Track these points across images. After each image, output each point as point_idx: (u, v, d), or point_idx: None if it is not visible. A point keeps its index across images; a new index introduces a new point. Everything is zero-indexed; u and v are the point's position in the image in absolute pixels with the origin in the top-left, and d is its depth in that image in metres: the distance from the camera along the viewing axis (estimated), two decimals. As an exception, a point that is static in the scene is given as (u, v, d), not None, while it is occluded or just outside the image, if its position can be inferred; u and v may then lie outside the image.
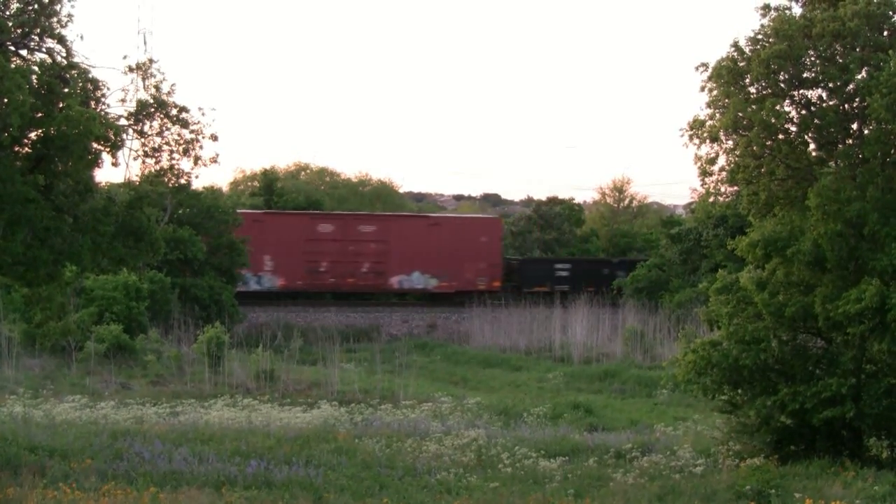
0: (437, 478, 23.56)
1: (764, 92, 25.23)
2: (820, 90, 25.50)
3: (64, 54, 21.97)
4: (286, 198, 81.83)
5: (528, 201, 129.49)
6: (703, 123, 25.63)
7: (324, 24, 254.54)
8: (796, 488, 22.06)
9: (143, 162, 22.81)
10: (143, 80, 22.52)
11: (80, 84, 21.65)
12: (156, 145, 22.71)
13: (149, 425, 29.45)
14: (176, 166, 22.90)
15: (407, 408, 34.92)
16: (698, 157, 25.95)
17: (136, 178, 23.04)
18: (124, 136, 22.14)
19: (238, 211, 66.28)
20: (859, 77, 24.55)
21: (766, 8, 25.61)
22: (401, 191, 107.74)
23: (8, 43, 21.51)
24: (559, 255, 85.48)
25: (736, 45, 25.39)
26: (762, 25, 25.41)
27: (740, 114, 24.75)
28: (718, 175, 26.01)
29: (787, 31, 24.56)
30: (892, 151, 24.78)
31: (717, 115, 25.49)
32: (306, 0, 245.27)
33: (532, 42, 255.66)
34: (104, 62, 22.62)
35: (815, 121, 25.02)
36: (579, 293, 70.79)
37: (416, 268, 72.30)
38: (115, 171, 22.55)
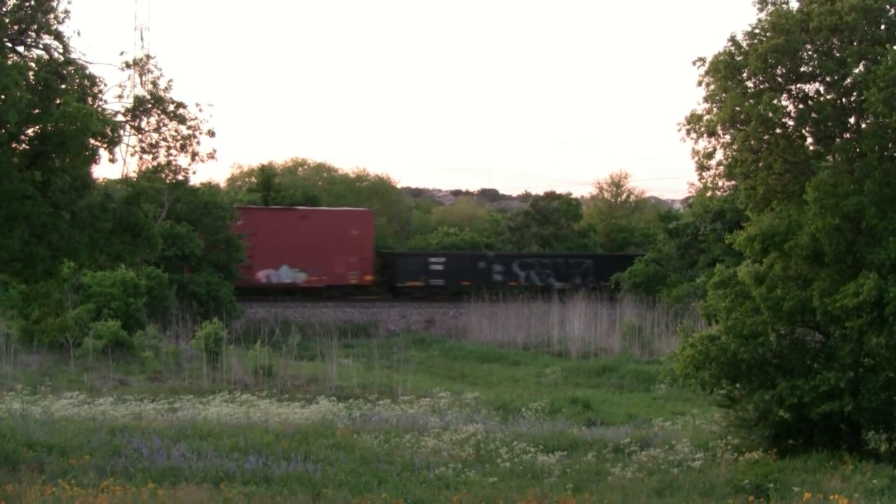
0: (436, 473, 23.56)
1: (761, 86, 25.25)
2: (817, 84, 25.52)
3: (61, 50, 21.96)
4: (283, 193, 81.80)
5: (526, 196, 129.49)
6: (700, 118, 25.64)
7: (321, 18, 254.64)
8: (795, 482, 22.07)
9: (141, 158, 22.82)
10: (140, 76, 22.53)
11: (77, 80, 21.64)
12: (153, 141, 22.71)
13: (147, 421, 29.45)
14: (173, 162, 22.90)
15: (405, 403, 34.95)
16: (696, 152, 25.99)
17: (133, 175, 23.08)
18: (121, 132, 22.13)
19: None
20: (857, 71, 24.56)
21: (764, 2, 25.61)
22: (398, 186, 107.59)
23: (5, 39, 21.49)
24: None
25: (733, 40, 25.40)
26: (759, 19, 25.43)
27: (738, 108, 24.76)
28: (716, 169, 26.05)
29: (784, 26, 24.57)
30: (890, 145, 24.80)
31: (715, 109, 25.50)
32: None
33: (531, 37, 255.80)
34: (101, 58, 22.72)
35: (813, 115, 25.03)
36: (454, 288, 70.69)
37: (284, 262, 71.19)
38: (112, 167, 22.65)
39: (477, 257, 78.46)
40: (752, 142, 24.92)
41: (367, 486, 22.22)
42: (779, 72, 25.10)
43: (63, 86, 21.38)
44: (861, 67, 24.57)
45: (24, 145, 21.74)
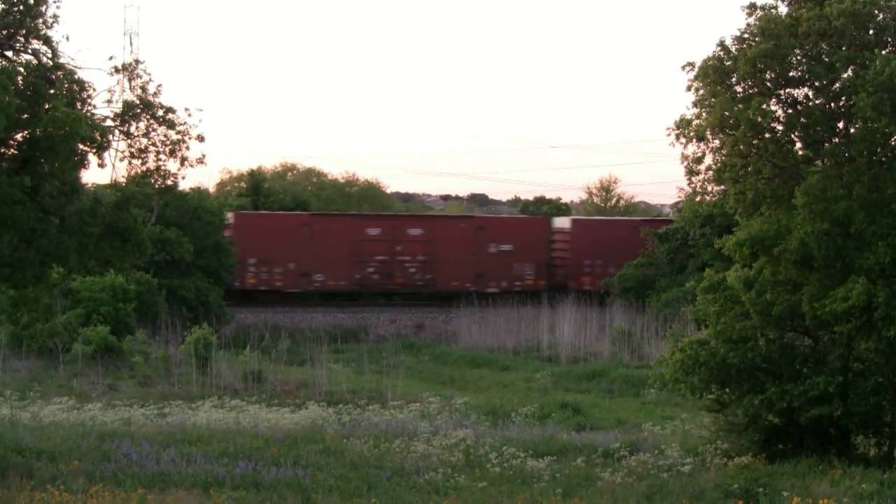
0: (426, 478, 23.58)
1: (750, 91, 25.29)
2: (806, 89, 25.57)
3: (50, 55, 21.94)
4: (273, 198, 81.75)
5: (516, 201, 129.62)
6: (689, 123, 25.66)
7: (311, 23, 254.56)
8: (784, 487, 22.11)
9: (130, 163, 22.80)
10: (130, 80, 22.51)
11: (66, 85, 21.62)
12: (142, 146, 22.70)
13: (136, 427, 29.42)
14: (162, 167, 22.90)
15: (395, 408, 34.94)
16: (685, 157, 26.01)
17: (122, 180, 23.02)
18: (110, 137, 22.11)
19: None
20: (845, 76, 24.61)
21: (753, 7, 25.65)
22: (388, 191, 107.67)
23: (-7, 44, 21.48)
24: None
25: (722, 45, 25.43)
26: (748, 24, 25.46)
27: (727, 113, 24.78)
28: (705, 174, 26.07)
29: (773, 30, 24.61)
30: (879, 150, 24.85)
31: (704, 114, 25.52)
32: (294, 1, 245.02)
33: (520, 42, 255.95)
34: (90, 63, 22.59)
35: (802, 120, 25.07)
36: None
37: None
38: (101, 172, 22.54)
39: None
40: (742, 146, 24.95)
41: (356, 492, 22.24)
42: (768, 76, 25.14)
43: (52, 91, 21.36)
44: (850, 72, 24.61)
45: (12, 150, 21.71)
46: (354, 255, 68.74)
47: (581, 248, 71.74)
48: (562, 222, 76.96)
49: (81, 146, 21.37)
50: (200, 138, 22.99)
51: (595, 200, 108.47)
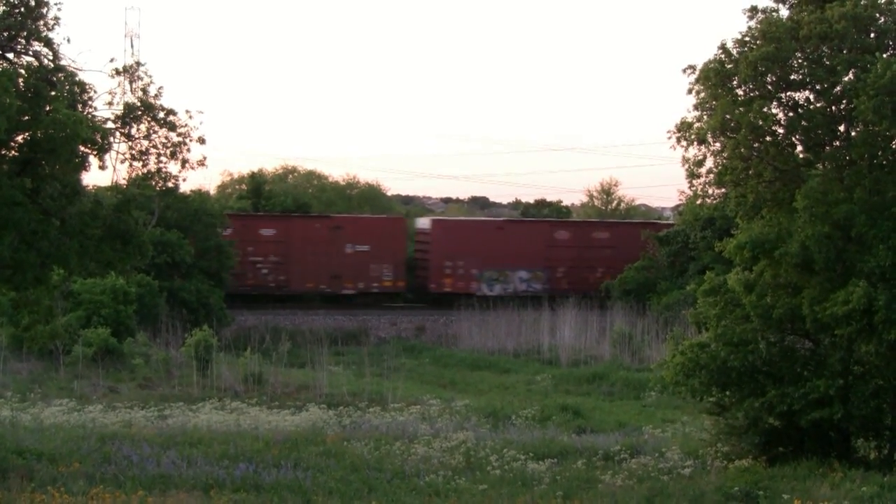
0: (426, 480, 23.58)
1: (751, 94, 25.30)
2: (807, 92, 25.59)
3: (51, 57, 21.96)
4: (274, 200, 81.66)
5: (517, 203, 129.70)
6: (690, 126, 25.68)
7: (312, 26, 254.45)
8: (784, 490, 22.13)
9: (131, 165, 22.82)
10: (131, 83, 22.54)
11: (67, 87, 21.65)
12: (143, 148, 22.72)
13: (137, 429, 29.41)
14: (163, 169, 22.91)
15: (395, 410, 34.93)
16: (686, 160, 26.03)
17: (123, 182, 23.03)
18: (111, 139, 22.14)
19: None
20: (846, 79, 24.65)
21: (754, 10, 25.70)
22: (388, 193, 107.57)
23: (-5, 46, 21.51)
24: None
25: (723, 48, 25.44)
26: (749, 27, 25.51)
27: (728, 116, 24.81)
28: (706, 177, 26.07)
29: (774, 34, 24.62)
30: (880, 153, 24.87)
31: (705, 117, 25.55)
32: (295, 3, 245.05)
33: (521, 45, 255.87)
34: (91, 65, 22.61)
35: (803, 123, 25.09)
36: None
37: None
38: (102, 174, 22.57)
39: None
40: (743, 149, 24.96)
41: (357, 494, 22.23)
42: (769, 80, 25.16)
43: (53, 93, 21.38)
44: (851, 75, 24.65)
45: (13, 152, 21.73)
46: None
47: (442, 248, 70.62)
48: (423, 223, 75.78)
49: (82, 148, 21.39)
50: (201, 140, 23.03)
51: (596, 203, 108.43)
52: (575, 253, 72.11)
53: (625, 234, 74.38)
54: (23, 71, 21.56)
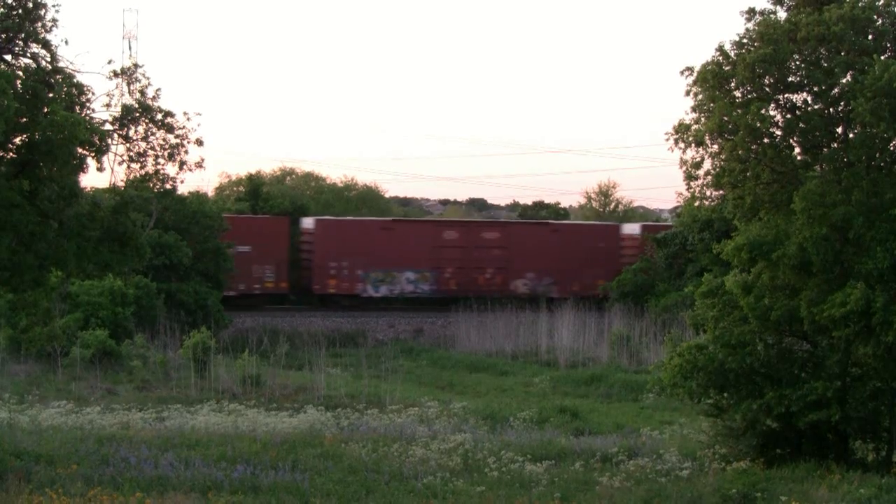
0: (424, 482, 23.58)
1: (749, 96, 25.29)
2: (805, 94, 25.59)
3: (49, 59, 21.98)
4: (272, 202, 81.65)
5: (515, 205, 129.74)
6: (688, 127, 25.67)
7: (310, 27, 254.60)
8: (782, 491, 22.13)
9: (129, 167, 22.83)
10: (128, 84, 22.56)
11: (65, 89, 21.65)
12: (141, 150, 22.73)
13: (135, 430, 29.41)
14: (161, 171, 22.92)
15: (393, 412, 34.93)
16: (684, 161, 26.01)
17: (121, 183, 23.06)
18: (109, 140, 22.15)
19: None
20: (844, 81, 24.66)
21: (751, 12, 25.70)
22: (386, 195, 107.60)
23: (-8, 48, 21.51)
24: None
25: (721, 49, 25.44)
26: (747, 29, 25.51)
27: (725, 118, 24.81)
28: (704, 179, 26.05)
29: (772, 35, 24.63)
30: (877, 155, 24.88)
31: (703, 119, 25.54)
32: (293, 5, 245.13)
33: (519, 47, 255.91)
34: (89, 67, 22.72)
35: (801, 125, 25.09)
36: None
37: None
38: (100, 176, 22.63)
39: None
40: (740, 151, 24.95)
41: (355, 496, 22.24)
42: (766, 81, 25.15)
43: (51, 94, 21.40)
44: (849, 77, 24.66)
45: (11, 154, 21.75)
46: None
47: (326, 249, 69.48)
48: (307, 222, 73.63)
49: (80, 150, 21.39)
50: (199, 142, 23.06)
51: (594, 205, 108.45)
52: (463, 253, 71.44)
53: (516, 235, 74.20)
54: (21, 73, 21.57)
